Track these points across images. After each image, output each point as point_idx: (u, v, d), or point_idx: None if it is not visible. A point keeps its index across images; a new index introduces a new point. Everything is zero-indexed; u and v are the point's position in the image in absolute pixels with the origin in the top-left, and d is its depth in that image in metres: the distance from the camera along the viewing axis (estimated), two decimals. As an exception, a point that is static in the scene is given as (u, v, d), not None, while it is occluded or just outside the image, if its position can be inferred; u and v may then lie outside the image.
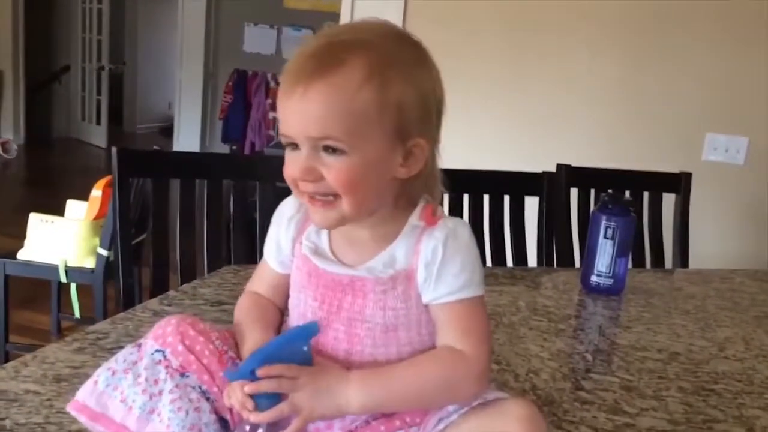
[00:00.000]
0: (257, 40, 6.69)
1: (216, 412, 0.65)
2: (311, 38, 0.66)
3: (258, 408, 0.62)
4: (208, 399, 0.65)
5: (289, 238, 0.75)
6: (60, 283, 2.57)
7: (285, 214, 0.75)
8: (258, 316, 0.71)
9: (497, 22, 2.58)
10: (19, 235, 2.55)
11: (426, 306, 0.69)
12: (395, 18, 2.54)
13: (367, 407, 0.66)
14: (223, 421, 0.66)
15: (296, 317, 0.73)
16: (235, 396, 0.63)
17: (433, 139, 0.69)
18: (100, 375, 0.65)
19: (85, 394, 0.64)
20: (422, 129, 0.67)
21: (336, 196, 0.65)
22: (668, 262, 1.98)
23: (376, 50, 0.64)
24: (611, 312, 1.35)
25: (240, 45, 6.73)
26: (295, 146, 0.65)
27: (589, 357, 1.10)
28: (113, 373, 0.64)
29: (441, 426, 0.64)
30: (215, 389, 0.66)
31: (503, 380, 0.97)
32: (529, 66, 2.59)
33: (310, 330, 0.65)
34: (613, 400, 0.95)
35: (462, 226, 0.70)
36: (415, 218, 0.70)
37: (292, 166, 0.66)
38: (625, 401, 0.95)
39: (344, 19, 2.62)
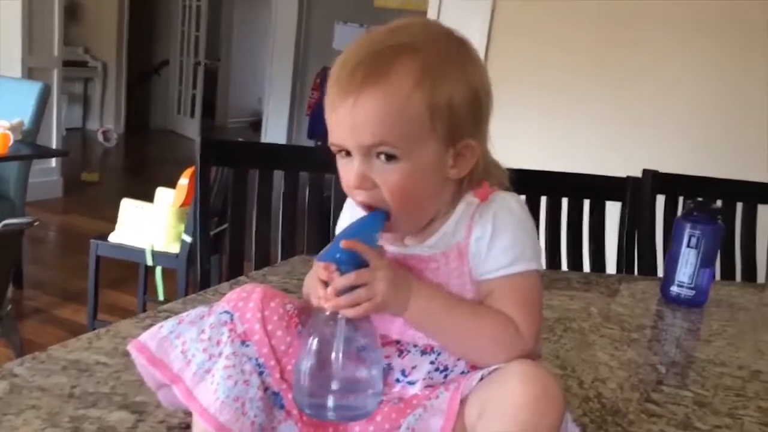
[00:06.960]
0: (346, 38, 6.77)
1: (267, 387, 0.65)
2: (353, 46, 0.66)
3: (340, 273, 0.63)
4: (261, 374, 0.65)
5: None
6: (146, 266, 2.69)
7: None
8: None
9: (585, 23, 2.51)
10: (114, 219, 2.69)
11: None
12: (482, 22, 2.51)
13: (422, 316, 0.66)
14: (275, 396, 0.66)
15: None
16: (312, 279, 0.65)
17: (483, 137, 0.69)
18: (166, 323, 0.67)
19: (147, 336, 0.66)
20: (472, 129, 0.67)
21: (387, 213, 0.66)
22: (761, 278, 1.86)
23: (423, 52, 0.64)
24: (690, 324, 1.28)
25: (329, 43, 6.84)
26: (347, 153, 0.66)
27: (662, 369, 1.05)
28: (179, 322, 0.66)
29: (466, 392, 0.64)
30: (272, 363, 0.66)
31: (566, 386, 0.94)
32: (619, 67, 2.50)
33: (380, 217, 0.65)
34: (684, 415, 0.90)
35: (513, 199, 0.70)
36: (470, 195, 0.70)
37: (347, 174, 0.67)
38: (697, 417, 0.89)
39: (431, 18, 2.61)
